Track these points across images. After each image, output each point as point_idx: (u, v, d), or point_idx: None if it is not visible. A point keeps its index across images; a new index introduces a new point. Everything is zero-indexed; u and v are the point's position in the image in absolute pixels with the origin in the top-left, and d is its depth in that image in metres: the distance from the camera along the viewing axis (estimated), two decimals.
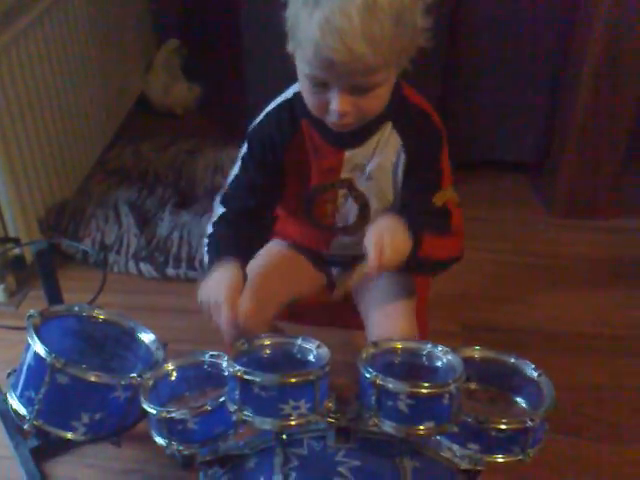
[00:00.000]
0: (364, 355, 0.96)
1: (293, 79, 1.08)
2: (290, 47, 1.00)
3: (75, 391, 1.09)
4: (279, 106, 1.14)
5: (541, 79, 2.16)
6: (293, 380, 0.89)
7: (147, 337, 1.22)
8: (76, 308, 1.23)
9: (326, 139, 1.10)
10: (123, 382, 1.09)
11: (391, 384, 0.90)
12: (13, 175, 1.80)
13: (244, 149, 1.18)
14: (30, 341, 1.10)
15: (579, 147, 2.05)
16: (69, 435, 1.11)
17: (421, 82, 2.19)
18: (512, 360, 1.07)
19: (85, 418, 1.10)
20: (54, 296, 1.32)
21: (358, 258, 1.05)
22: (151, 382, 1.03)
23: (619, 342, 1.76)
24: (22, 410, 1.11)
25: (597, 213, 2.14)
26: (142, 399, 1.00)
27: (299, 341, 0.99)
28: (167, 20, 2.93)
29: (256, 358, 0.97)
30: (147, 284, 1.94)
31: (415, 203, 1.10)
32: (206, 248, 1.16)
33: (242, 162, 1.18)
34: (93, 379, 1.08)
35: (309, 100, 1.02)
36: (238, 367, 0.89)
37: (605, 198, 2.13)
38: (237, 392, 0.91)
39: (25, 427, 1.11)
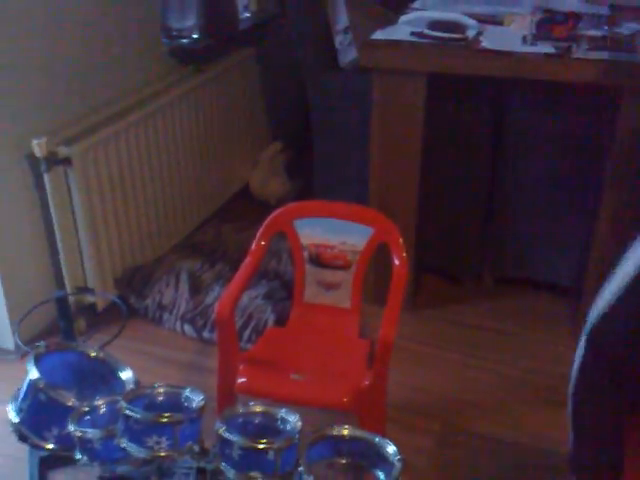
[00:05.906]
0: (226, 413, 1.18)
1: None
2: None
3: (50, 408, 1.41)
4: None
5: (581, 210, 2.26)
6: (161, 420, 1.15)
7: (125, 374, 1.52)
8: (76, 345, 1.57)
9: None
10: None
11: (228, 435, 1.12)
12: (97, 240, 2.24)
13: None
14: (28, 365, 1.44)
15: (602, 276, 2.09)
16: (42, 444, 1.43)
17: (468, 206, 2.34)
18: (376, 440, 1.23)
19: (55, 431, 1.41)
20: (69, 334, 1.68)
21: None
22: (85, 409, 1.32)
23: None
24: (13, 416, 1.44)
25: None
26: (70, 421, 1.28)
27: (187, 392, 1.24)
28: (278, 122, 3.37)
29: (149, 401, 1.24)
30: (188, 343, 2.26)
31: None
32: None
33: None
34: (61, 400, 1.39)
35: None
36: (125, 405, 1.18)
37: None
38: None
39: (11, 430, 1.44)
